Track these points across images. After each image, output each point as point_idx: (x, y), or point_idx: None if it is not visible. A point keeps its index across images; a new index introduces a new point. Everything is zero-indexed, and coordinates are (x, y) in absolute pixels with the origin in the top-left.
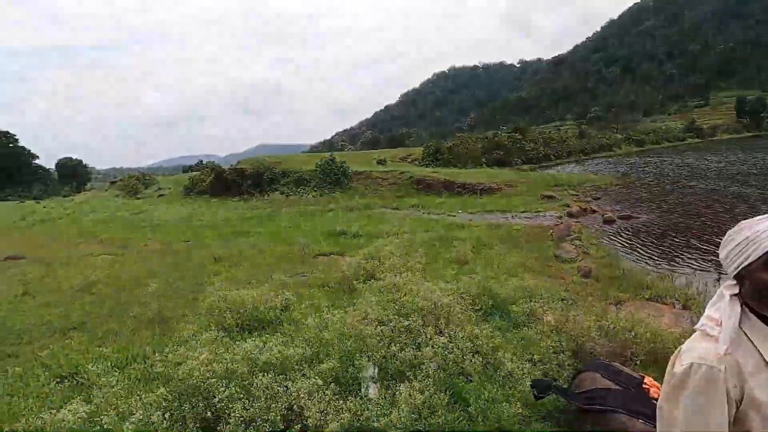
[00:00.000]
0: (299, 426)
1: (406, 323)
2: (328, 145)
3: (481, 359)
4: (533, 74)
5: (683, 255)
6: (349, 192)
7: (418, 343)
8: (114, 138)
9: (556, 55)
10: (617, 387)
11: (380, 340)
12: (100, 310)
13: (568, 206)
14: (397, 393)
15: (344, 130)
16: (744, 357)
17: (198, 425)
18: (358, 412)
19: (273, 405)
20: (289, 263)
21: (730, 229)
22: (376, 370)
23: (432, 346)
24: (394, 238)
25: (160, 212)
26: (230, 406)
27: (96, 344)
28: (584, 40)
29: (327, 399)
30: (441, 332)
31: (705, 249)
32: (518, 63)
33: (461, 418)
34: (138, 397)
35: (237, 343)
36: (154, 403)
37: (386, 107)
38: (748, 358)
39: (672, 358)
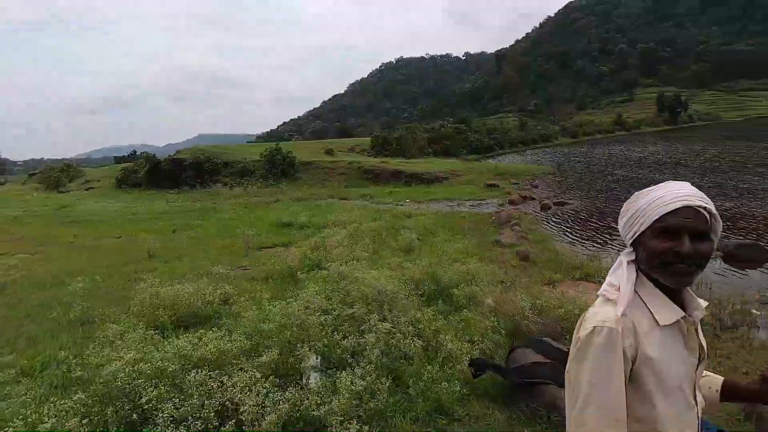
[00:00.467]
0: (234, 421)
1: (351, 311)
2: (275, 135)
3: (422, 342)
4: (478, 67)
5: (608, 237)
6: (296, 183)
7: (362, 331)
8: (36, 127)
9: (499, 49)
10: (547, 360)
11: (323, 329)
12: (15, 313)
13: (510, 194)
14: (338, 381)
15: (291, 120)
16: (639, 318)
17: (122, 429)
18: (297, 403)
19: (207, 402)
20: (231, 257)
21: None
22: (319, 360)
23: (375, 333)
24: (341, 229)
25: (88, 207)
26: (159, 406)
27: (8, 350)
28: (524, 35)
29: (265, 392)
30: (385, 318)
31: None
32: (463, 56)
33: (402, 400)
34: (52, 405)
35: (169, 340)
36: (70, 410)
37: (334, 97)
38: (642, 319)
39: (578, 323)
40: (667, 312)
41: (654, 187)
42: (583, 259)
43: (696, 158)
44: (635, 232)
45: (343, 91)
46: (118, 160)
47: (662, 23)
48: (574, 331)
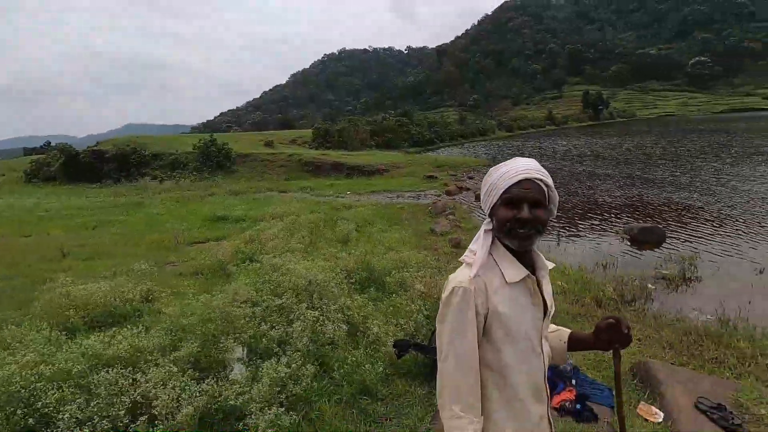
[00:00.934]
0: (146, 417)
1: (279, 302)
2: (212, 126)
3: (350, 328)
4: (420, 62)
5: None
6: (233, 176)
7: (290, 320)
8: None
9: (440, 44)
10: None
11: (250, 321)
12: None
13: (447, 185)
14: (261, 370)
15: (230, 111)
16: (491, 278)
17: None
18: (216, 394)
19: (117, 400)
20: (159, 253)
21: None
22: (245, 351)
23: (303, 321)
24: (278, 221)
25: None
26: (61, 408)
27: None
28: (464, 32)
29: (182, 385)
30: (314, 307)
31: None
32: (406, 49)
33: (328, 384)
34: None
35: (76, 341)
36: None
37: (275, 87)
38: (493, 278)
39: (444, 287)
40: (514, 271)
41: (504, 162)
42: None
43: (612, 151)
44: (490, 203)
45: (284, 82)
46: (28, 151)
47: (587, 26)
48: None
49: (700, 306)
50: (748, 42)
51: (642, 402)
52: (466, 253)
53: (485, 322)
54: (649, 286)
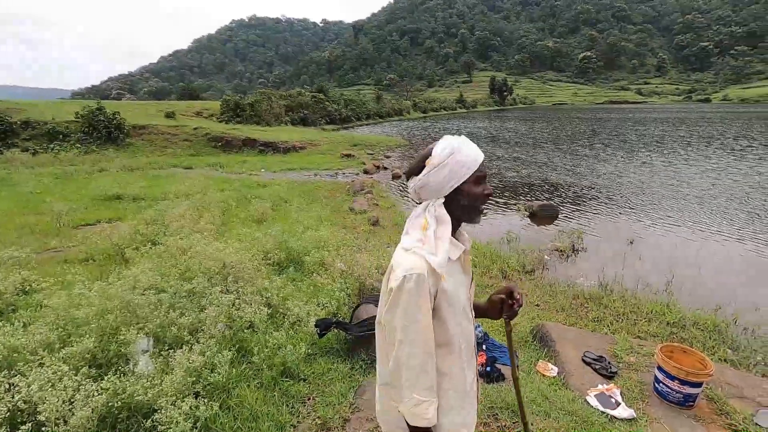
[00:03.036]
0: (30, 425)
1: (190, 287)
2: (97, 92)
3: (269, 310)
4: (336, 36)
5: None
6: (128, 150)
7: (203, 306)
8: None
9: (357, 20)
10: None
11: (156, 309)
12: None
13: (364, 164)
14: (173, 360)
15: (120, 76)
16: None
17: None
18: (119, 391)
19: None
20: (36, 237)
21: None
22: (151, 342)
23: (217, 306)
24: (183, 200)
25: None
26: None
27: None
28: (380, 8)
29: (74, 385)
30: (228, 291)
31: None
32: (321, 22)
33: (247, 369)
34: None
35: None
36: None
37: (176, 53)
38: (446, 258)
39: (385, 275)
40: (455, 248)
41: (457, 141)
42: None
43: (512, 135)
44: (456, 182)
45: (186, 47)
46: None
47: (494, 14)
48: (383, 284)
49: (586, 273)
50: (624, 42)
51: (540, 360)
52: (411, 240)
53: (434, 301)
54: (545, 257)
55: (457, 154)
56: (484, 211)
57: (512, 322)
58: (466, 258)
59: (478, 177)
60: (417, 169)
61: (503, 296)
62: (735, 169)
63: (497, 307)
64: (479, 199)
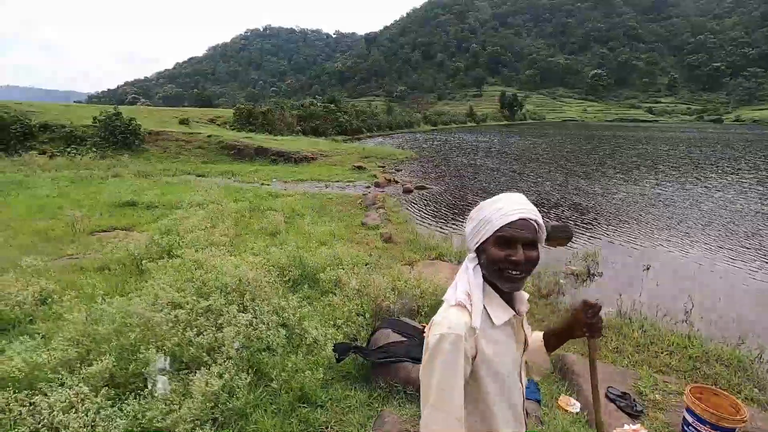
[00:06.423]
0: None
1: (206, 304)
2: (114, 96)
3: (286, 331)
4: (348, 47)
5: (459, 218)
6: (142, 155)
7: (220, 324)
8: None
9: (369, 32)
10: (403, 339)
11: (174, 326)
12: None
13: (376, 177)
14: (191, 383)
15: (136, 81)
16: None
17: None
18: (139, 415)
19: None
20: (52, 244)
21: (473, 208)
22: (167, 361)
23: (234, 325)
24: (197, 209)
25: None
26: None
27: None
28: (393, 21)
29: (96, 408)
30: (245, 309)
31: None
32: (334, 33)
33: (264, 394)
34: None
35: None
36: None
37: (191, 59)
38: (480, 320)
39: (427, 327)
40: (501, 313)
41: (496, 198)
42: (437, 240)
43: (523, 152)
44: (479, 240)
45: (201, 54)
46: None
47: (506, 30)
48: (425, 333)
49: (603, 299)
50: (635, 60)
51: (562, 394)
52: (457, 294)
53: (472, 364)
54: (561, 281)
55: (485, 209)
56: (517, 278)
57: (597, 340)
58: (518, 323)
59: (502, 238)
60: None
61: (580, 310)
62: (759, 194)
63: (574, 327)
64: (498, 263)
